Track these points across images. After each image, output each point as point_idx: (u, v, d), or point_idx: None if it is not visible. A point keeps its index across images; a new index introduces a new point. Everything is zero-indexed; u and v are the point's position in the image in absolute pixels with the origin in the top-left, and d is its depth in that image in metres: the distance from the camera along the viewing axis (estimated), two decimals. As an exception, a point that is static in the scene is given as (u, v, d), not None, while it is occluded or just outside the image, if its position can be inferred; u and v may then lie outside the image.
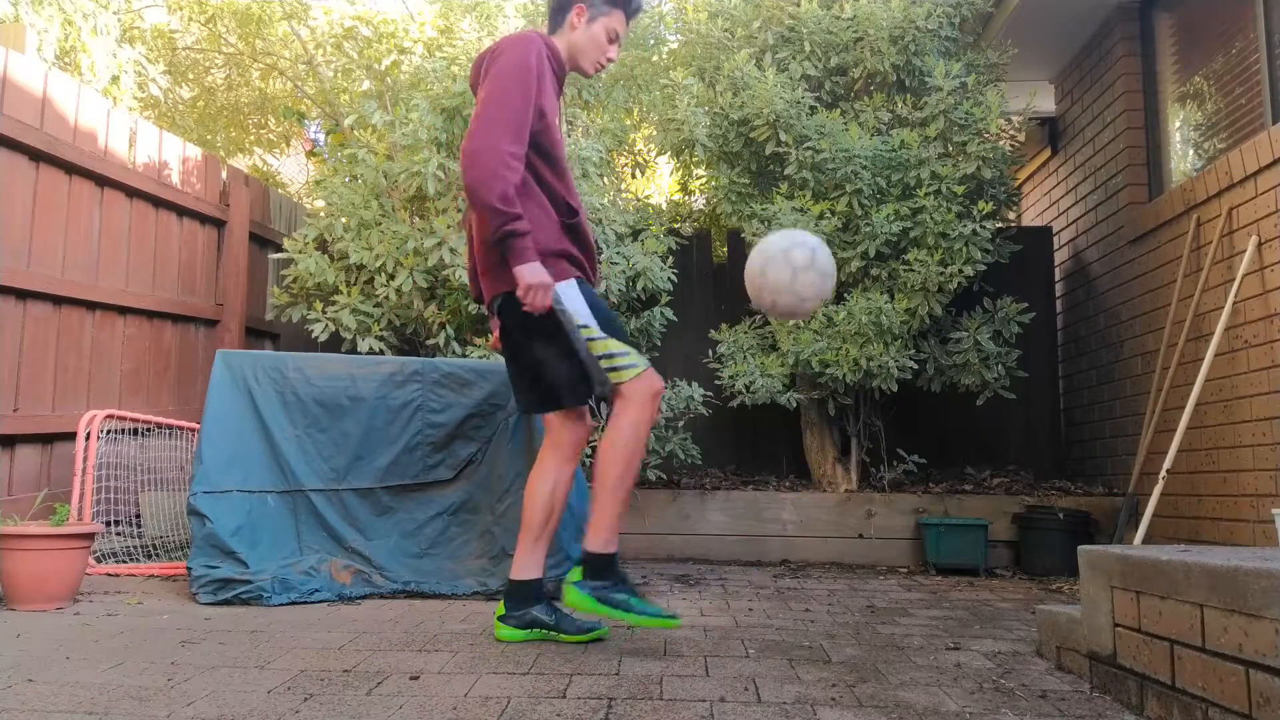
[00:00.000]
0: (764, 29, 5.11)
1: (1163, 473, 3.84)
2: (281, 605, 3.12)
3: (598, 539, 2.52)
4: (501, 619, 2.61)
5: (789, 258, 2.51)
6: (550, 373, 2.55)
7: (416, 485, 3.55)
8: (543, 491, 2.62)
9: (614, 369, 2.50)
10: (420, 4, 5.65)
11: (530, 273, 2.41)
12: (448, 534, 3.52)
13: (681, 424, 4.76)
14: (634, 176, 6.17)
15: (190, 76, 7.66)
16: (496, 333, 2.69)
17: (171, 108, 7.63)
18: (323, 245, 4.70)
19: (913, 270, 4.60)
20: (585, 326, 2.51)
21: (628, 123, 5.44)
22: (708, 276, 5.79)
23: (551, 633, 2.59)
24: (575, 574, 2.53)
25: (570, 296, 2.52)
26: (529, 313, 2.47)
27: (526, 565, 2.63)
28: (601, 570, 2.51)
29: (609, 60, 2.73)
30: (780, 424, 5.30)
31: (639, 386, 2.51)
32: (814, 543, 4.72)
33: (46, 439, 3.94)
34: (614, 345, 2.52)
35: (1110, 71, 5.10)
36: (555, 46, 2.66)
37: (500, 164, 2.39)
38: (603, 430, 2.59)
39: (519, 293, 2.43)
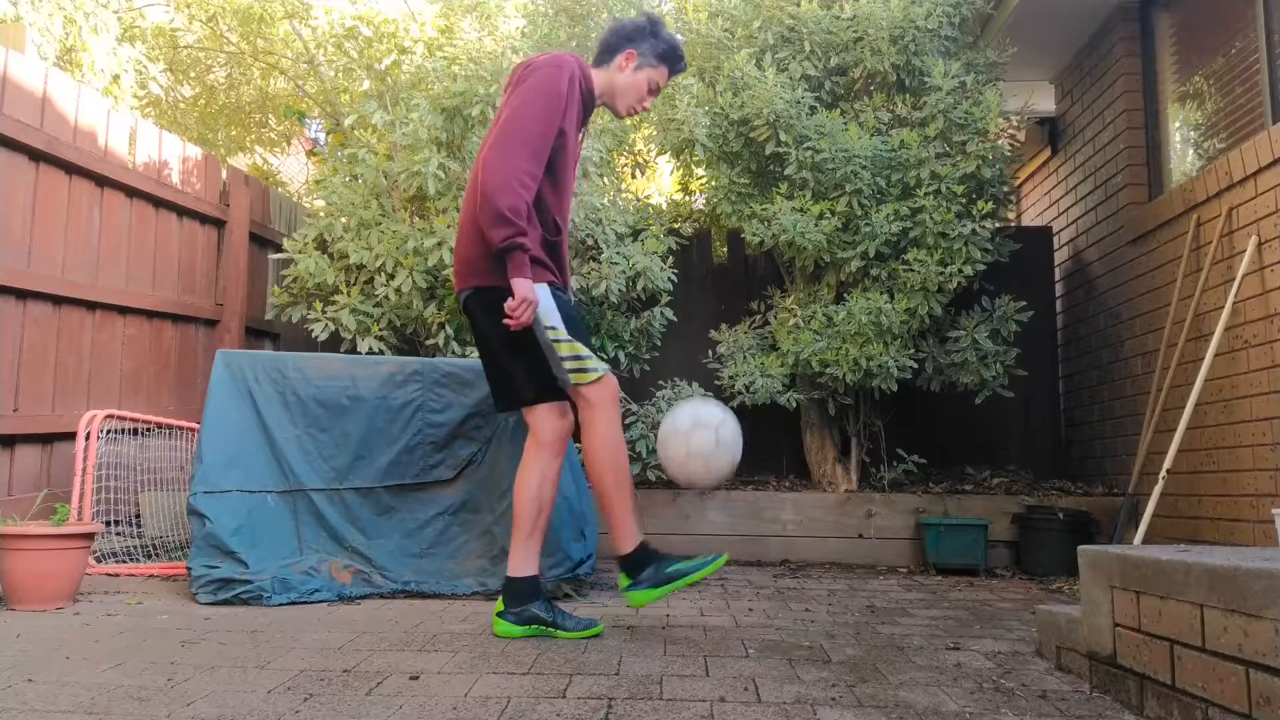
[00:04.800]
0: (764, 29, 5.11)
1: (1163, 473, 3.84)
2: (281, 605, 3.13)
3: (625, 539, 2.64)
4: (500, 615, 2.67)
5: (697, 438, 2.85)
6: (515, 369, 2.68)
7: (417, 485, 3.55)
8: (530, 488, 2.70)
9: (579, 370, 2.61)
10: (421, 4, 5.65)
11: (526, 287, 2.52)
12: (448, 534, 3.52)
13: (681, 424, 4.75)
14: (634, 176, 6.17)
15: (192, 75, 7.66)
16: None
17: (172, 106, 7.63)
18: (323, 245, 4.70)
19: (912, 270, 4.60)
20: (553, 328, 2.60)
21: (628, 123, 5.44)
22: (708, 276, 5.79)
23: (549, 629, 2.65)
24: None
25: (542, 298, 2.60)
26: (498, 311, 2.58)
27: (521, 562, 2.70)
28: (642, 562, 2.64)
29: (644, 109, 2.88)
30: (780, 424, 5.30)
31: (602, 392, 2.62)
32: (814, 543, 4.72)
33: (46, 439, 3.94)
34: (580, 348, 2.62)
35: (1110, 71, 5.10)
36: (589, 75, 2.78)
37: (516, 180, 2.50)
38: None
39: (510, 304, 2.52)
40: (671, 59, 2.84)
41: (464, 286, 2.69)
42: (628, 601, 2.65)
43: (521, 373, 2.68)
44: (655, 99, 2.90)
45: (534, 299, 2.53)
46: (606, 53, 2.83)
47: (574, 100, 2.66)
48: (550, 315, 2.60)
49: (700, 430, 2.83)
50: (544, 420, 2.71)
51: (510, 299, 2.52)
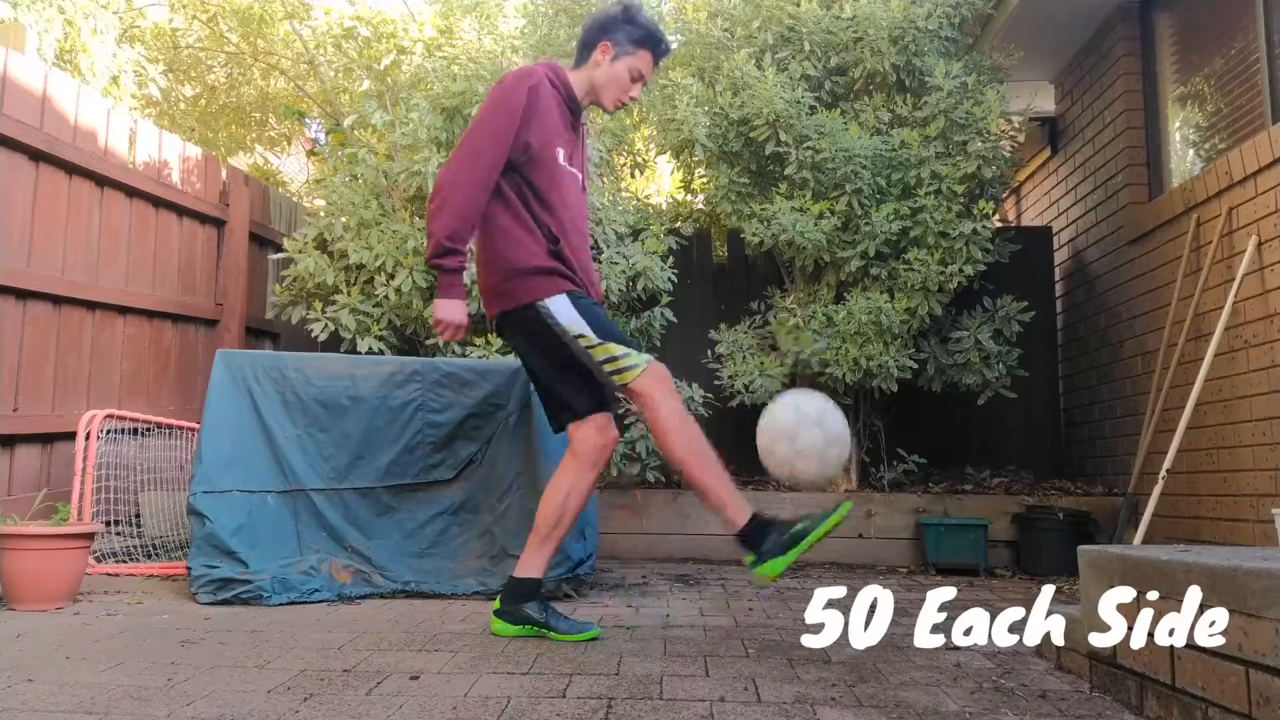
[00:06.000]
0: (763, 29, 5.11)
1: (1162, 473, 3.84)
2: (281, 605, 3.13)
3: (733, 516, 2.50)
4: (496, 613, 2.68)
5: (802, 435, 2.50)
6: (557, 384, 2.66)
7: (417, 485, 3.55)
8: (556, 497, 2.66)
9: (618, 370, 2.56)
10: (420, 4, 5.65)
11: (445, 309, 2.56)
12: (448, 534, 3.52)
13: (681, 424, 4.75)
14: (633, 176, 6.17)
15: (192, 75, 7.66)
16: None
17: (171, 106, 7.62)
18: (322, 245, 4.70)
19: (913, 270, 4.60)
20: (581, 335, 2.57)
21: (627, 122, 5.44)
22: (708, 276, 5.79)
23: (542, 630, 2.63)
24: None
25: (561, 309, 2.58)
26: (530, 333, 2.60)
27: (528, 564, 2.69)
28: (760, 534, 2.49)
29: (630, 99, 2.78)
30: (780, 424, 5.29)
31: (648, 380, 2.55)
32: (814, 542, 4.71)
33: (46, 439, 3.94)
34: (614, 348, 2.57)
35: (1110, 71, 5.10)
36: (565, 79, 2.72)
37: (459, 196, 2.50)
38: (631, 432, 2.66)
39: (431, 322, 2.58)
40: (651, 42, 2.75)
41: (494, 313, 2.67)
42: (754, 578, 2.52)
43: (569, 388, 2.65)
44: (642, 87, 2.80)
45: (455, 321, 2.56)
46: (583, 50, 2.76)
47: (539, 109, 2.59)
48: (575, 324, 2.57)
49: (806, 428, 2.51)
50: (585, 434, 2.66)
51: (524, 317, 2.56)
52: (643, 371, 2.56)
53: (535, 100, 2.58)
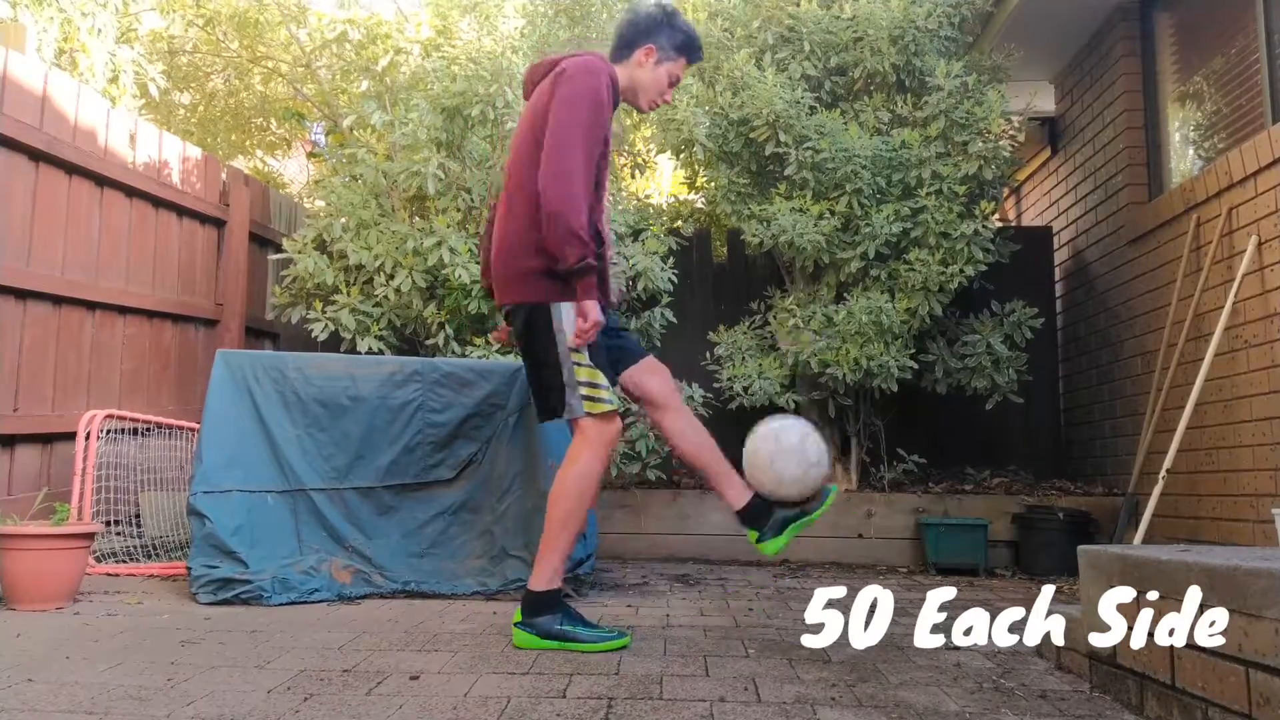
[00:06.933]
0: (763, 29, 5.11)
1: (1162, 472, 3.84)
2: (281, 605, 3.13)
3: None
4: (517, 625, 2.56)
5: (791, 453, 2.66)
6: (545, 384, 2.62)
7: (417, 485, 3.55)
8: (568, 491, 2.60)
9: (591, 398, 2.55)
10: (416, 6, 5.65)
11: (595, 310, 2.49)
12: (448, 534, 3.52)
13: (681, 424, 4.75)
14: (633, 177, 6.17)
15: (192, 84, 7.66)
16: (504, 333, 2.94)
17: (169, 111, 7.62)
18: (322, 245, 4.70)
19: (914, 270, 4.59)
20: (576, 350, 2.55)
21: (628, 123, 5.44)
22: (708, 277, 5.79)
23: (566, 645, 2.50)
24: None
25: (569, 318, 2.55)
26: (530, 328, 2.58)
27: (541, 575, 2.59)
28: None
29: (665, 101, 2.81)
30: (780, 424, 5.28)
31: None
32: (813, 542, 4.71)
33: (46, 439, 3.94)
34: (599, 376, 2.57)
35: (1110, 71, 5.10)
36: (617, 76, 2.71)
37: (580, 195, 2.46)
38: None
39: (582, 327, 2.50)
40: (689, 49, 2.76)
41: (505, 302, 2.64)
42: (757, 550, 2.61)
43: (545, 385, 2.61)
44: (673, 92, 2.85)
45: (601, 321, 2.50)
46: (625, 48, 2.75)
47: (610, 105, 2.61)
48: (574, 336, 2.54)
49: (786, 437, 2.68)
50: (587, 421, 2.60)
51: (577, 319, 2.50)
52: (605, 414, 2.56)
53: (611, 96, 2.61)
